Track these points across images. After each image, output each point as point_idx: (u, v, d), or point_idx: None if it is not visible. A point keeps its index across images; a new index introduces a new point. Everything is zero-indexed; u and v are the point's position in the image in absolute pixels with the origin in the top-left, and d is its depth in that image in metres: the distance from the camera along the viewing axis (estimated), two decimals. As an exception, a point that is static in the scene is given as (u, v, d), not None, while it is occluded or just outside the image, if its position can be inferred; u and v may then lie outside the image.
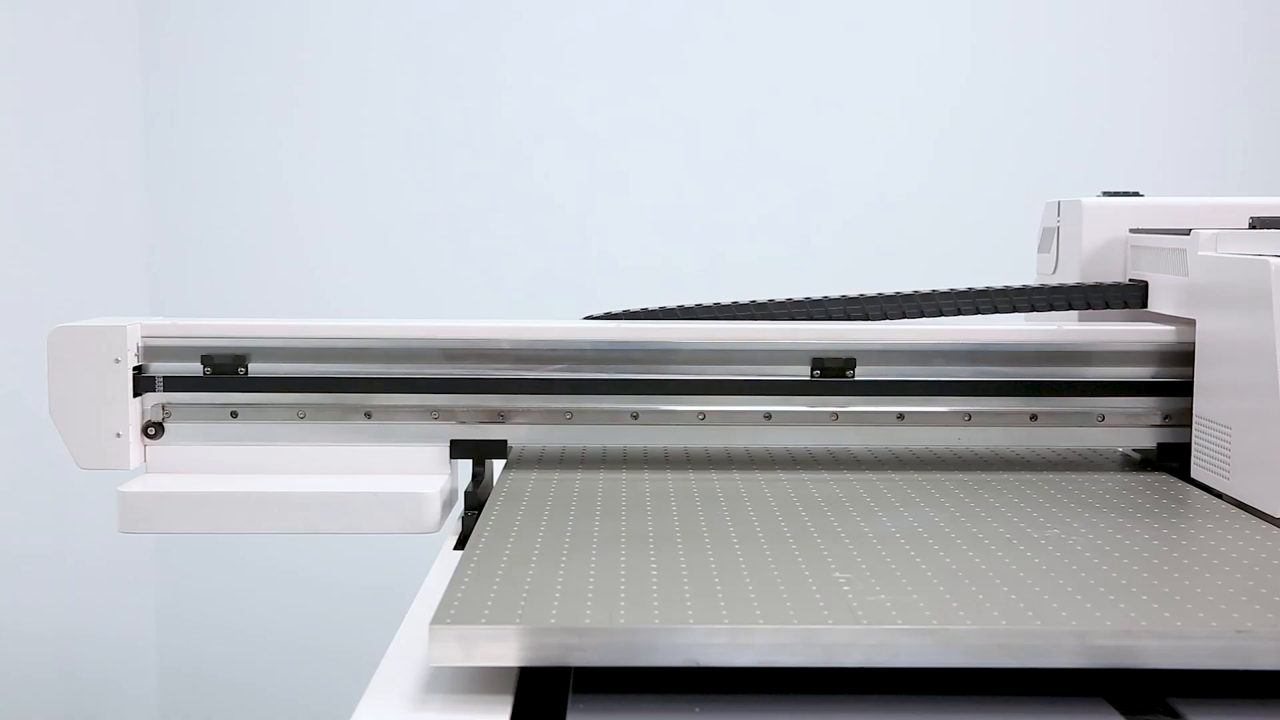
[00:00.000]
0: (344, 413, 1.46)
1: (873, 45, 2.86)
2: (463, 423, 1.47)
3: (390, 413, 1.46)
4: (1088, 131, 2.86)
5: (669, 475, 1.41)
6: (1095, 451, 1.55)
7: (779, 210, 2.87)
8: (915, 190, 2.86)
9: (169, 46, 2.84)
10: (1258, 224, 1.38)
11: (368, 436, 1.47)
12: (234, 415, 1.46)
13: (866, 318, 1.53)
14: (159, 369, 1.46)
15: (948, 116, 2.86)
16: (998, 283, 1.55)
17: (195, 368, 1.46)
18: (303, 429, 1.46)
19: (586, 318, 1.55)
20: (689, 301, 1.54)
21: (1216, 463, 1.35)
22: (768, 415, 1.47)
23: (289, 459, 1.47)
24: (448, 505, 1.44)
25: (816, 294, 1.55)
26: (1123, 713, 0.88)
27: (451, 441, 1.47)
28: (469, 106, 2.86)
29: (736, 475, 1.41)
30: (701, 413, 1.47)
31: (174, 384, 1.46)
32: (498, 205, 2.86)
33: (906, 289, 1.54)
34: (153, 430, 1.46)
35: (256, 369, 1.46)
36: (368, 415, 1.46)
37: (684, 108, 2.86)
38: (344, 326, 1.46)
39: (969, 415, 1.47)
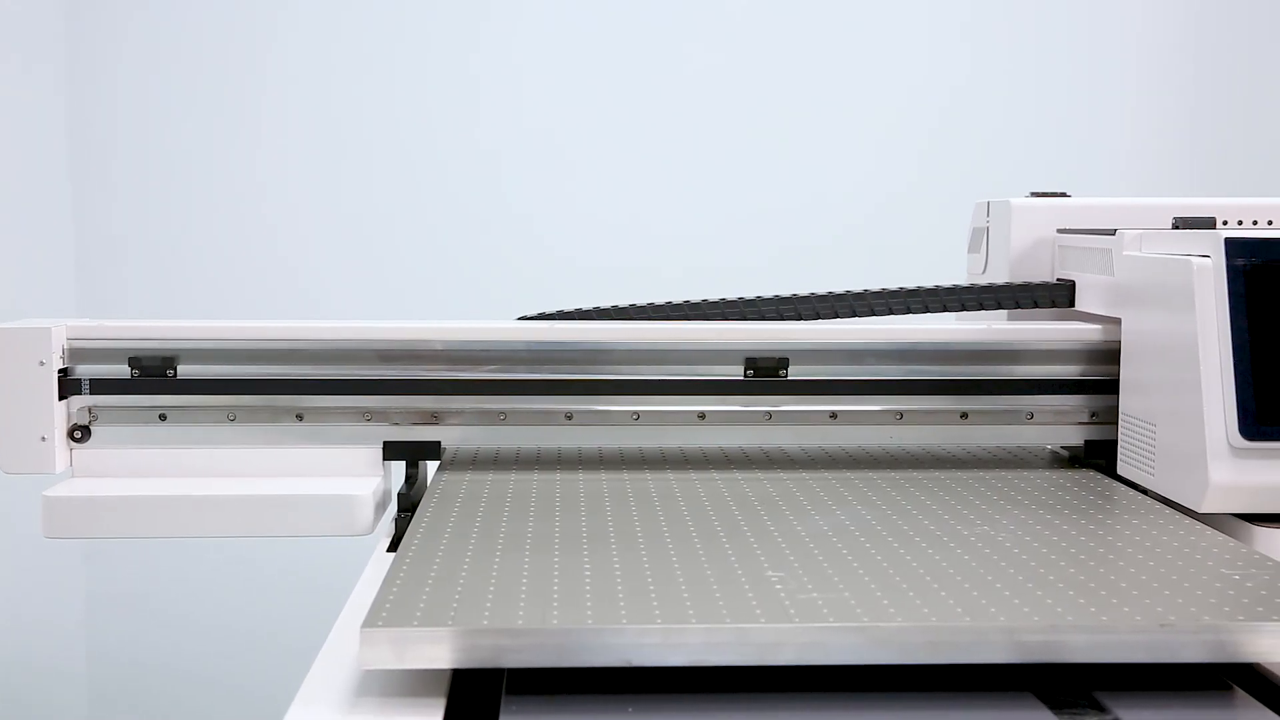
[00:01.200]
0: (275, 415, 1.45)
1: (810, 52, 2.88)
2: (396, 424, 1.46)
3: (322, 415, 1.45)
4: (1016, 133, 2.89)
5: (603, 476, 1.41)
6: (1024, 449, 1.57)
7: (722, 213, 2.87)
8: (851, 192, 2.88)
9: (95, 42, 2.79)
10: (1181, 224, 1.41)
11: (300, 439, 1.45)
12: (163, 418, 1.44)
13: (799, 317, 1.54)
14: (85, 371, 1.44)
15: (882, 120, 2.89)
16: (929, 283, 1.57)
17: (123, 370, 1.44)
18: (233, 431, 1.45)
19: (520, 318, 1.55)
20: (638, 302, 1.54)
21: (1141, 459, 1.37)
22: (701, 415, 1.48)
23: (219, 462, 1.45)
24: (381, 507, 1.43)
25: (751, 294, 1.55)
26: (1050, 707, 0.90)
27: (384, 443, 1.46)
28: (407, 101, 2.84)
29: (670, 475, 1.42)
30: (635, 413, 1.47)
31: (101, 387, 1.44)
32: (436, 202, 2.85)
33: (839, 289, 1.55)
34: (79, 434, 1.44)
35: (186, 371, 1.44)
36: (299, 417, 1.45)
37: (639, 111, 2.86)
38: (275, 328, 1.45)
39: (901, 414, 1.49)
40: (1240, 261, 1.25)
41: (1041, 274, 1.63)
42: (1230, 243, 1.25)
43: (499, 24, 2.84)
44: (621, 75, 2.86)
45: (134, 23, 2.79)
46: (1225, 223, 1.54)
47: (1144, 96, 2.91)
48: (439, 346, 1.46)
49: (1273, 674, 0.96)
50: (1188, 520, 1.22)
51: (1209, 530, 1.18)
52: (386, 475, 1.48)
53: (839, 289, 1.55)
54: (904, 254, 2.75)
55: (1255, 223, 1.58)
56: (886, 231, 2.85)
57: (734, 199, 2.87)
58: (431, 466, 1.49)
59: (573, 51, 2.85)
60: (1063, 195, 1.67)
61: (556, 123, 2.85)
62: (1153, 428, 1.35)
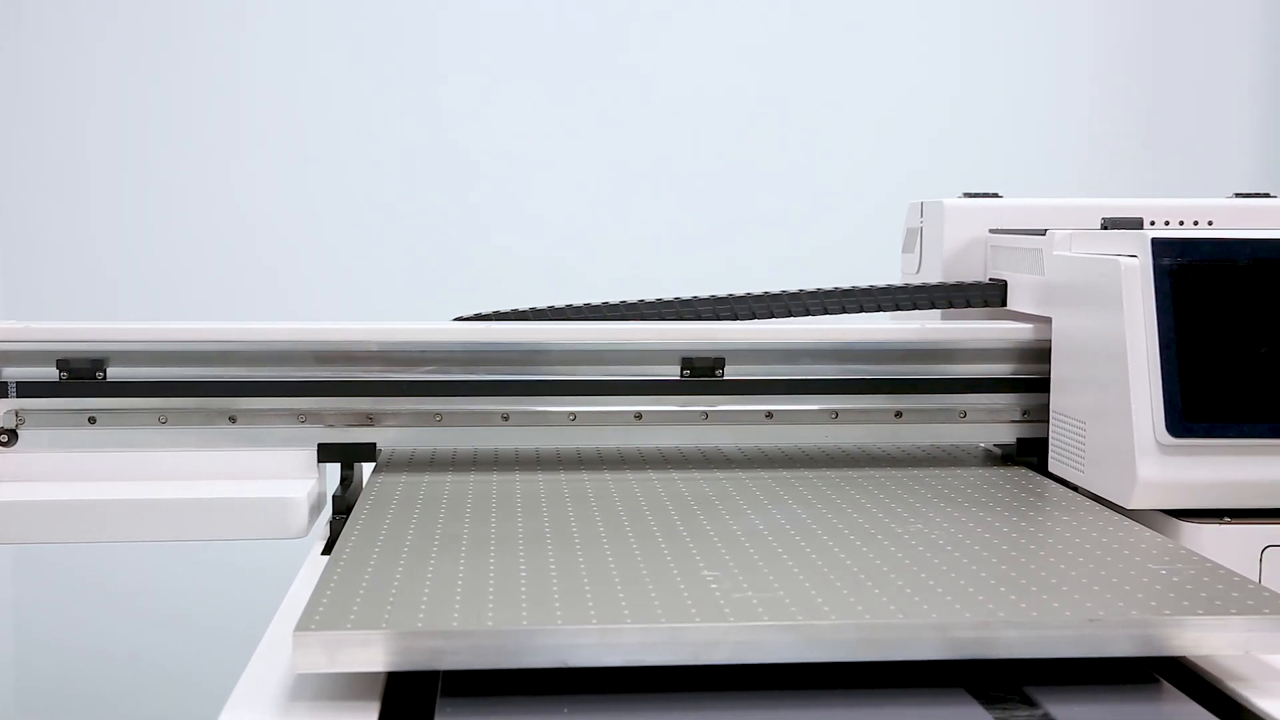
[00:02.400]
0: (207, 417, 1.44)
1: (750, 56, 2.89)
2: (330, 426, 1.45)
3: (255, 416, 1.44)
4: (950, 134, 2.92)
5: (540, 476, 1.41)
6: (958, 447, 1.58)
7: (664, 216, 2.88)
8: (787, 193, 2.89)
9: (15, 39, 2.75)
10: (1109, 224, 1.43)
11: (232, 441, 1.44)
12: (92, 421, 1.42)
13: (735, 317, 1.55)
14: (11, 374, 1.41)
15: (817, 123, 2.90)
16: (864, 282, 1.58)
17: (50, 372, 1.42)
18: (165, 434, 1.43)
19: (456, 319, 1.54)
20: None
21: (1071, 456, 1.39)
22: (638, 415, 1.48)
23: (151, 465, 1.43)
24: (315, 510, 1.42)
25: (686, 294, 1.56)
26: (981, 702, 0.91)
27: (319, 445, 1.45)
28: (339, 98, 2.82)
29: (607, 475, 1.42)
30: (572, 413, 1.47)
31: (28, 389, 1.41)
32: (358, 201, 2.83)
33: (775, 289, 1.56)
34: (5, 438, 1.41)
35: (115, 373, 1.42)
36: (232, 419, 1.44)
37: (598, 115, 2.86)
38: (207, 329, 1.43)
39: (836, 413, 1.50)
40: (1167, 261, 1.27)
41: (974, 274, 1.65)
42: (1157, 243, 1.27)
43: (467, 22, 2.83)
44: (579, 82, 2.85)
45: (56, 18, 2.75)
46: (1153, 223, 1.56)
47: (1073, 98, 2.95)
48: (374, 348, 1.45)
49: (1199, 667, 0.98)
50: (1116, 516, 1.24)
51: (1137, 526, 1.20)
52: (321, 477, 1.47)
53: (775, 289, 1.56)
54: (839, 254, 2.77)
55: (1181, 223, 1.60)
56: (822, 231, 2.86)
57: (674, 202, 2.88)
58: (367, 468, 1.48)
59: (539, 60, 2.84)
60: (994, 196, 1.69)
61: (524, 126, 2.85)
62: (1082, 425, 1.37)
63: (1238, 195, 1.70)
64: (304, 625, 0.90)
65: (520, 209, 2.85)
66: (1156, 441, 1.25)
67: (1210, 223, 1.61)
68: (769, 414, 1.49)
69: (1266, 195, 1.69)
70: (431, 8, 2.82)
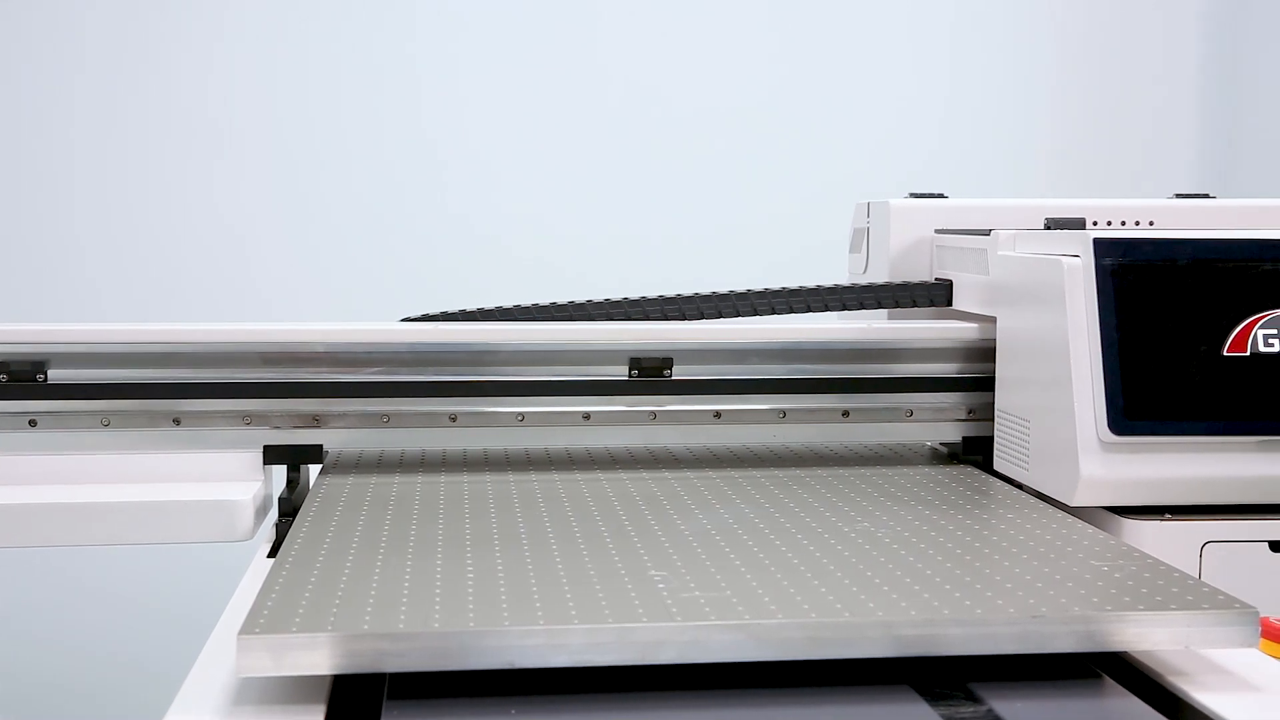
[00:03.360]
0: (151, 419, 1.42)
1: (686, 50, 2.89)
2: (276, 428, 1.44)
3: (200, 418, 1.43)
4: (897, 135, 2.94)
5: (488, 477, 1.41)
6: (904, 445, 1.60)
7: (606, 215, 2.88)
8: (735, 193, 2.90)
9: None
10: (1052, 224, 1.44)
11: (177, 443, 1.43)
12: (33, 424, 1.40)
13: (683, 317, 1.55)
14: (-49, 376, 1.39)
15: (765, 123, 2.91)
16: (811, 282, 1.58)
17: (-10, 375, 1.40)
18: (107, 437, 1.42)
19: (404, 319, 1.53)
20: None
21: (1016, 454, 1.40)
22: (586, 415, 1.48)
23: (93, 468, 1.42)
24: (261, 512, 1.41)
25: (634, 295, 1.56)
26: (927, 699, 0.91)
27: (265, 447, 1.44)
28: (317, 100, 2.80)
29: (556, 476, 1.42)
30: (520, 414, 1.47)
31: (-33, 392, 1.39)
32: (337, 202, 2.81)
33: (722, 289, 1.56)
34: (-55, 441, 1.39)
35: (57, 375, 1.41)
36: (176, 421, 1.42)
37: (560, 113, 2.87)
38: (150, 330, 1.42)
39: (784, 412, 1.50)
40: (1108, 261, 1.28)
41: (920, 273, 1.66)
42: (1098, 243, 1.29)
43: (444, 26, 2.82)
44: (552, 84, 2.86)
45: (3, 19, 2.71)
46: (1095, 223, 1.58)
47: (1018, 101, 2.97)
48: (320, 349, 1.44)
49: (1140, 662, 0.99)
50: (1060, 514, 1.25)
51: (1080, 523, 1.21)
52: (267, 479, 1.46)
53: (722, 289, 1.56)
54: (786, 254, 2.78)
55: (1123, 223, 1.62)
56: (769, 231, 2.87)
57: (622, 201, 2.88)
58: (314, 470, 1.47)
59: (514, 61, 2.84)
60: (940, 196, 1.71)
61: (501, 127, 2.85)
62: (1026, 423, 1.38)
63: (1178, 196, 1.72)
64: (248, 628, 0.89)
65: (499, 209, 2.86)
66: (1099, 439, 1.26)
67: (1151, 223, 1.63)
68: (717, 414, 1.49)
69: (1206, 196, 1.72)
70: (409, 8, 2.81)
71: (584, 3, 2.87)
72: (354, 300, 2.79)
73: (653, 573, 1.04)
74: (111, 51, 2.75)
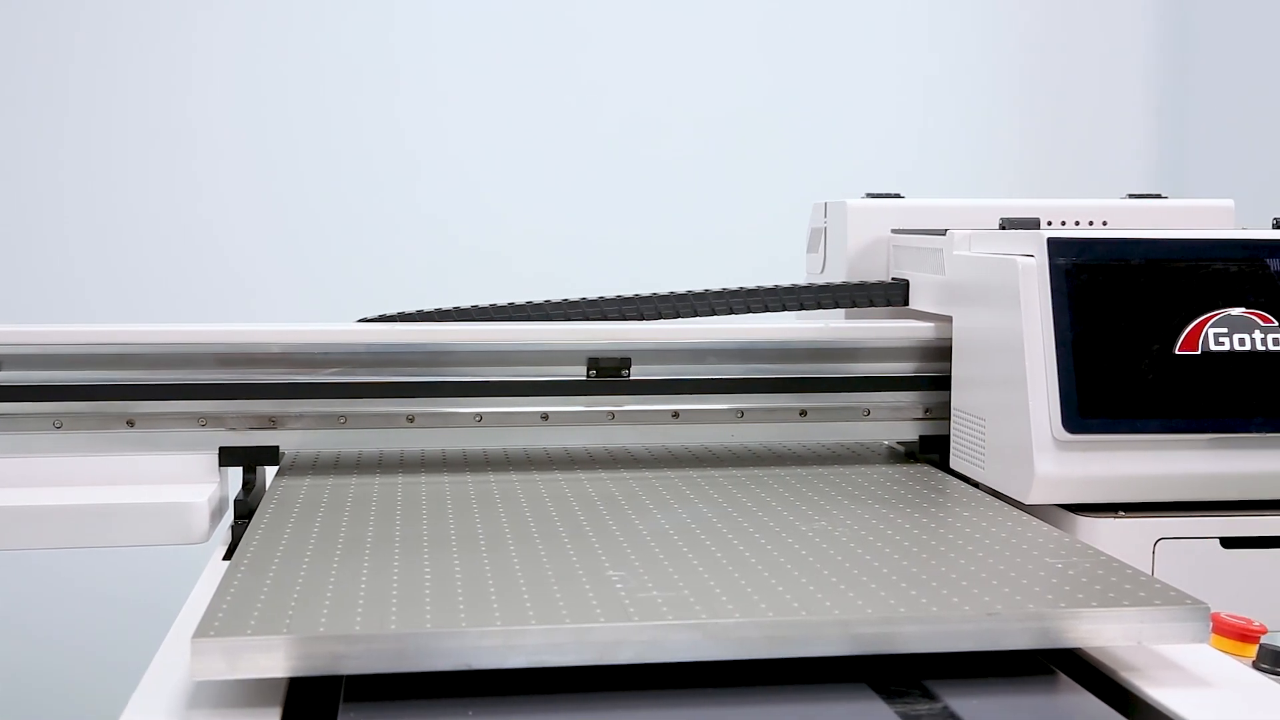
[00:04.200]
0: (104, 421, 1.41)
1: (654, 54, 2.90)
2: (232, 429, 1.43)
3: (155, 420, 1.42)
4: (855, 135, 2.95)
5: (445, 478, 1.40)
6: (862, 445, 1.60)
7: (570, 214, 2.88)
8: (693, 193, 2.90)
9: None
10: (1007, 224, 1.45)
11: (131, 445, 1.41)
12: (-16, 426, 1.39)
13: (641, 317, 1.55)
14: (-100, 379, 1.38)
15: (723, 123, 2.92)
16: (769, 282, 1.59)
17: (-60, 377, 1.38)
18: (60, 439, 1.40)
19: (361, 320, 1.53)
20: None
21: (972, 453, 1.41)
22: (545, 416, 1.47)
23: (45, 471, 1.40)
24: (217, 514, 1.40)
25: (592, 295, 1.56)
26: (883, 697, 0.92)
27: (220, 448, 1.43)
28: (297, 101, 2.79)
29: (514, 476, 1.41)
30: (478, 414, 1.46)
31: (-83, 394, 1.38)
32: (319, 202, 2.80)
33: (680, 289, 1.57)
34: (-107, 444, 1.37)
35: (7, 376, 1.39)
36: (130, 423, 1.41)
37: (531, 116, 2.87)
38: (103, 332, 1.41)
39: (741, 412, 1.51)
40: (1062, 261, 1.29)
41: (877, 273, 1.67)
42: (1053, 243, 1.30)
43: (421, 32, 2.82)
44: (523, 88, 2.86)
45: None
46: (1049, 223, 1.59)
47: (974, 101, 2.99)
48: (276, 350, 1.43)
49: (1094, 658, 1.00)
50: (1015, 512, 1.26)
51: (1035, 521, 1.22)
52: (223, 481, 1.45)
53: (680, 289, 1.57)
54: (744, 254, 2.78)
55: (1077, 223, 1.64)
56: (727, 231, 2.88)
57: (585, 200, 2.88)
58: (270, 472, 1.46)
59: (492, 65, 2.84)
60: (896, 196, 1.72)
61: (477, 129, 2.84)
62: (982, 422, 1.39)
63: (1131, 196, 1.74)
64: (203, 631, 0.88)
65: (478, 210, 2.85)
66: (1053, 438, 1.27)
67: (1105, 223, 1.65)
68: (675, 413, 1.49)
69: (1158, 196, 1.74)
70: (388, 6, 2.80)
71: (555, 5, 2.87)
72: (334, 298, 2.78)
73: (610, 573, 1.03)
74: (90, 49, 2.73)
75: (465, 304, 1.54)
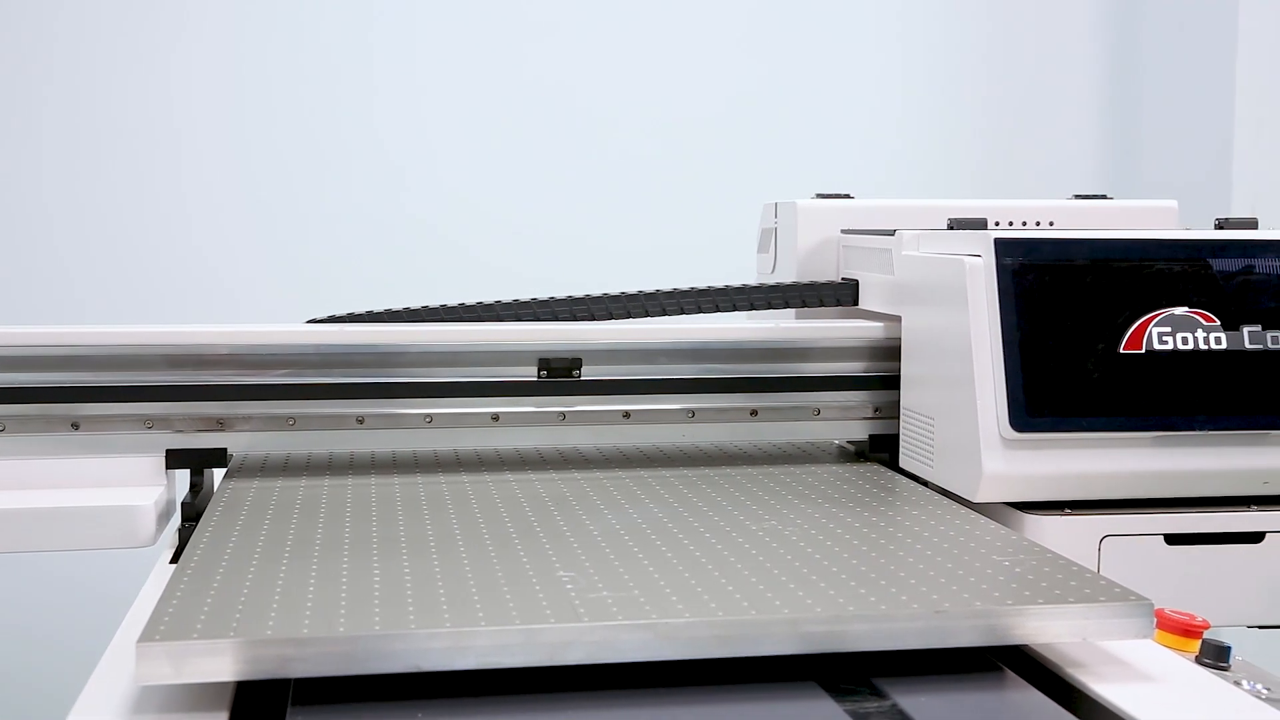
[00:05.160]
0: (49, 424, 1.39)
1: (598, 50, 2.90)
2: (179, 431, 1.42)
3: (100, 423, 1.40)
4: (805, 136, 2.96)
5: (396, 480, 1.40)
6: (812, 444, 1.61)
7: (523, 216, 2.87)
8: (644, 193, 2.90)
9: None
10: (955, 225, 1.46)
11: (76, 448, 1.40)
12: (-75, 429, 1.37)
13: (592, 318, 1.55)
14: None
15: (673, 124, 2.92)
16: (720, 282, 1.59)
17: (-120, 379, 1.36)
18: (4, 443, 1.38)
19: (310, 321, 1.52)
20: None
21: (921, 452, 1.42)
22: (495, 417, 1.47)
23: (-11, 474, 1.38)
24: (164, 517, 1.39)
25: (543, 295, 1.56)
26: (832, 695, 0.92)
27: (167, 451, 1.42)
28: (246, 94, 2.77)
29: (465, 478, 1.41)
30: (428, 415, 1.46)
31: None
32: (303, 201, 2.79)
33: (631, 289, 1.57)
34: None
35: (-50, 379, 1.37)
36: (75, 426, 1.39)
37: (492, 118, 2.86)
38: (48, 333, 1.39)
39: (693, 412, 1.51)
40: (1009, 261, 1.30)
41: (827, 273, 1.68)
42: (1000, 243, 1.31)
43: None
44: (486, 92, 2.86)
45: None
46: (997, 223, 1.61)
47: (922, 102, 3.01)
48: (224, 351, 1.42)
49: (1040, 655, 1.01)
50: (963, 510, 1.27)
51: (982, 519, 1.23)
52: (170, 484, 1.43)
53: (631, 289, 1.57)
54: (695, 254, 2.79)
55: (1025, 223, 1.65)
56: (678, 232, 2.88)
57: (537, 201, 2.88)
58: (218, 474, 1.45)
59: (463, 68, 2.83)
60: (846, 197, 1.72)
61: (455, 129, 2.84)
62: (931, 421, 1.40)
63: (1077, 196, 1.76)
64: (148, 635, 0.88)
65: (462, 211, 2.86)
66: (1000, 436, 1.28)
67: (1051, 223, 1.66)
68: (626, 414, 1.50)
69: (1104, 197, 1.76)
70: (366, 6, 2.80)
71: (517, 8, 2.87)
72: (319, 297, 2.76)
73: (560, 574, 1.03)
74: (70, 47, 2.70)
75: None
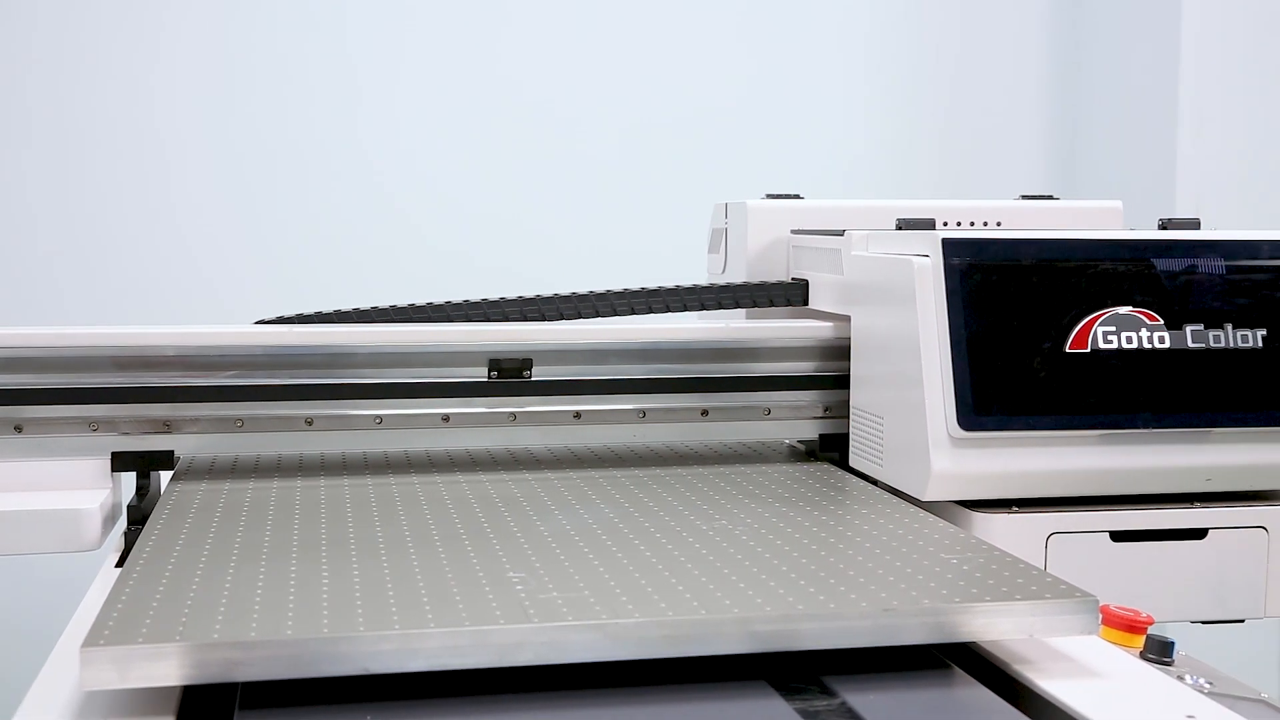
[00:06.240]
0: (-9, 427, 1.37)
1: (554, 50, 2.89)
2: (125, 434, 1.40)
3: (44, 425, 1.38)
4: (754, 136, 2.97)
5: (345, 481, 1.39)
6: (763, 444, 1.61)
7: (480, 213, 2.87)
8: (595, 193, 2.90)
9: None
10: (904, 225, 1.47)
11: (19, 451, 1.38)
12: None
13: (543, 318, 1.55)
14: None
15: (625, 124, 2.92)
16: (670, 282, 1.59)
17: None
18: (-56, 445, 1.36)
19: (258, 322, 1.51)
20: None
21: (871, 451, 1.43)
22: (446, 417, 1.47)
23: (-71, 478, 1.36)
24: (109, 521, 1.37)
25: (494, 295, 1.55)
26: (782, 694, 0.92)
27: (113, 454, 1.40)
28: (231, 93, 2.75)
29: (415, 479, 1.40)
30: (378, 417, 1.45)
31: None
32: (290, 200, 2.77)
33: (582, 289, 1.57)
34: None
35: (-111, 382, 1.35)
36: (18, 429, 1.38)
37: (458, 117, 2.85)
38: (-11, 335, 1.37)
39: (644, 412, 1.51)
40: (957, 261, 1.31)
41: (777, 273, 1.68)
42: (947, 243, 1.32)
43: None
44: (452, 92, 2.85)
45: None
46: (944, 224, 1.62)
47: (871, 103, 3.03)
48: (171, 352, 1.41)
49: (987, 651, 1.02)
50: (912, 509, 1.28)
51: (931, 518, 1.24)
52: (116, 487, 1.42)
53: (582, 289, 1.56)
54: (646, 254, 2.79)
55: (972, 223, 1.67)
56: (629, 232, 2.88)
57: (494, 198, 2.87)
58: (165, 477, 1.43)
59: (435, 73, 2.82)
60: (796, 197, 1.73)
61: (436, 129, 2.83)
62: (880, 420, 1.41)
63: (1024, 197, 1.77)
64: (92, 640, 0.87)
65: (441, 208, 2.85)
66: (949, 435, 1.29)
67: (999, 223, 1.68)
68: (577, 414, 1.49)
69: (1050, 197, 1.77)
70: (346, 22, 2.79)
71: (491, 16, 2.87)
72: (301, 295, 2.74)
73: (511, 575, 1.03)
74: (53, 46, 2.67)
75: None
